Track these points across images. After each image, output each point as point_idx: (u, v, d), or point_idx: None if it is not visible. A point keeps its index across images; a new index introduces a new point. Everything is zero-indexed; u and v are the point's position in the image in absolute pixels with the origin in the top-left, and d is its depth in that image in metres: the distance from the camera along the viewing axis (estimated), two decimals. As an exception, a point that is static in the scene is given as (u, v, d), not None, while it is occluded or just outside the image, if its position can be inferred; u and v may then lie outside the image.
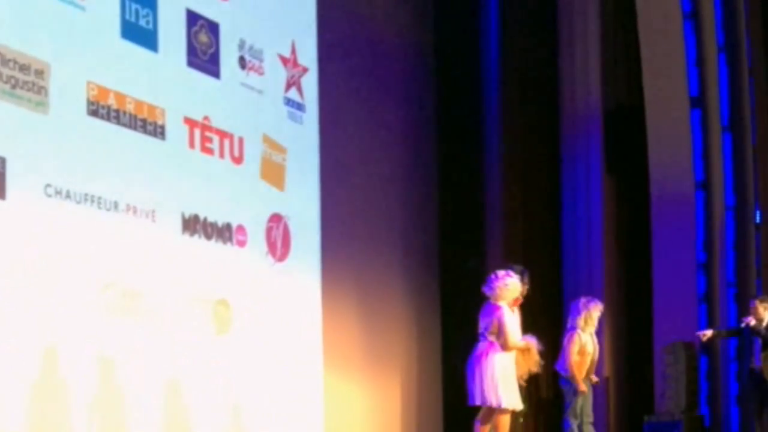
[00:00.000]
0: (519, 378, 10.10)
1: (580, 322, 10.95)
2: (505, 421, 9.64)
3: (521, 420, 10.79)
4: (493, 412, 9.62)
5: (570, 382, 10.95)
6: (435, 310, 13.82)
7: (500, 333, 9.51)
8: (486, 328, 9.60)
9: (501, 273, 9.79)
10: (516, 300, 10.16)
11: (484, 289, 9.73)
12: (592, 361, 11.01)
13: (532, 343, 10.02)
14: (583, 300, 11.16)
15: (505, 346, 9.52)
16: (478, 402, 9.58)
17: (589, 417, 10.99)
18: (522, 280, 10.36)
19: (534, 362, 10.19)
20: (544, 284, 13.91)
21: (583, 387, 10.85)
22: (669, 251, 14.05)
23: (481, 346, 9.62)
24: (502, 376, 9.50)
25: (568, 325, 11.06)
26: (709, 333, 12.14)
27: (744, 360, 12.35)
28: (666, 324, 13.87)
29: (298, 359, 11.32)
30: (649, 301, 14.04)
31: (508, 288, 9.70)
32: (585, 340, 10.93)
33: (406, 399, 13.42)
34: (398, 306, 13.36)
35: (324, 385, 11.71)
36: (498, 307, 9.60)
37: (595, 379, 11.12)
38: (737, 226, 14.11)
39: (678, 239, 14.07)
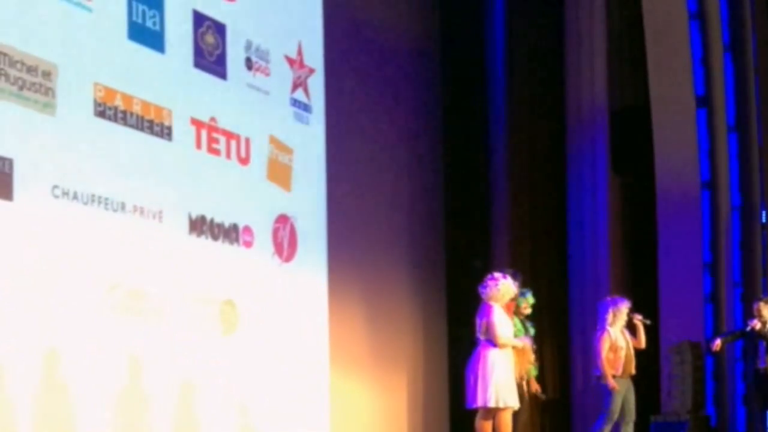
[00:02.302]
0: (518, 378, 10.12)
1: (609, 318, 10.93)
2: (505, 418, 9.64)
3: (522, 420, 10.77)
4: (491, 411, 9.62)
5: (605, 383, 10.90)
6: (441, 309, 13.83)
7: (489, 331, 9.55)
8: (479, 329, 9.67)
9: (496, 275, 9.85)
10: (509, 305, 10.19)
11: (479, 289, 9.79)
12: (627, 357, 10.96)
13: (527, 342, 10.07)
14: (609, 299, 11.17)
15: (496, 343, 9.54)
16: (476, 404, 9.59)
17: (631, 416, 10.93)
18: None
19: (529, 361, 10.23)
20: (550, 284, 13.93)
21: (614, 384, 10.78)
22: (675, 251, 14.03)
23: (478, 348, 9.67)
24: (497, 374, 9.51)
25: (598, 325, 11.02)
26: (718, 342, 12.08)
27: (750, 361, 12.33)
28: (672, 324, 13.84)
29: (304, 359, 11.33)
30: (655, 301, 14.01)
31: (501, 289, 9.74)
32: (615, 337, 10.91)
33: (412, 399, 13.43)
34: (404, 306, 13.37)
35: (330, 385, 11.71)
36: (489, 307, 9.65)
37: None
38: (743, 226, 14.09)
39: (684, 239, 14.05)
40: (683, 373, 13.51)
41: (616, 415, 10.83)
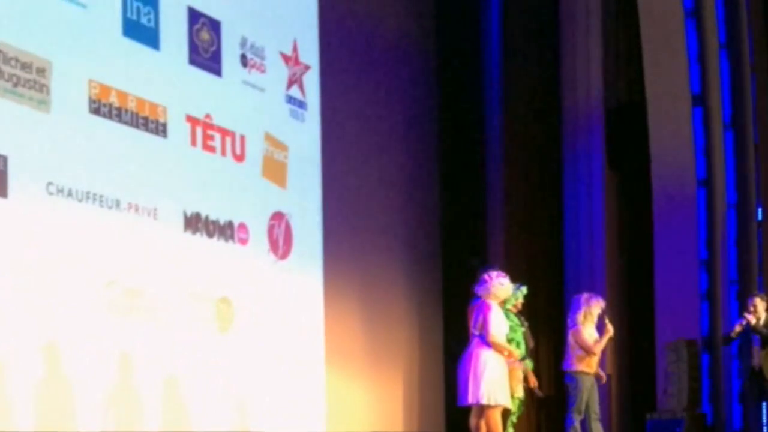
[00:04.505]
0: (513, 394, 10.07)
1: (580, 317, 10.97)
2: (495, 416, 9.60)
3: (514, 419, 10.77)
4: (484, 408, 9.60)
5: (574, 378, 10.96)
6: (437, 307, 13.82)
7: (483, 328, 9.51)
8: (474, 325, 9.63)
9: (491, 273, 9.80)
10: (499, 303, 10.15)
11: (477, 289, 9.74)
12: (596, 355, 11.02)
13: (517, 364, 10.03)
14: (585, 296, 11.17)
15: (486, 340, 9.50)
16: (468, 401, 9.57)
17: (596, 414, 10.99)
18: None
19: (517, 380, 10.18)
20: (546, 281, 13.93)
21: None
22: (671, 248, 14.04)
23: (471, 345, 9.63)
24: (488, 372, 9.47)
25: (569, 322, 11.07)
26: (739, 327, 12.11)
27: (744, 357, 12.35)
28: (668, 321, 13.86)
29: (300, 357, 11.32)
30: (650, 299, 14.03)
31: (497, 288, 9.70)
32: (588, 335, 10.95)
33: (407, 396, 13.42)
34: (400, 303, 13.36)
35: (326, 382, 11.71)
36: (486, 304, 9.61)
37: (602, 375, 11.11)
38: (739, 224, 14.10)
39: (680, 236, 14.05)
40: (679, 371, 13.51)
41: (583, 409, 10.89)
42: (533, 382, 10.96)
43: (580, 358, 10.92)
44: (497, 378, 9.51)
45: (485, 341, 9.50)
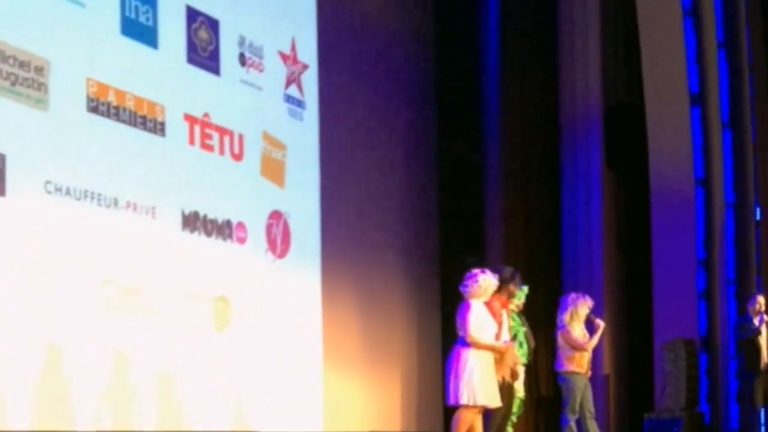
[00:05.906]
0: (500, 379, 10.03)
1: (566, 318, 11.00)
2: (465, 416, 9.55)
3: (514, 419, 10.76)
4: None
5: (566, 378, 10.97)
6: (435, 306, 13.82)
7: (462, 328, 9.49)
8: (457, 326, 9.62)
9: (475, 271, 9.75)
10: (505, 302, 10.12)
11: (460, 288, 9.70)
12: (587, 355, 11.03)
13: (509, 345, 9.98)
14: (572, 296, 11.19)
15: (466, 341, 9.47)
16: (452, 401, 9.56)
17: (591, 413, 11.01)
18: (513, 281, 10.33)
19: (514, 362, 10.14)
20: (544, 281, 13.92)
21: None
22: (669, 248, 14.05)
23: (456, 345, 9.62)
24: (468, 372, 9.44)
25: (558, 323, 11.09)
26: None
27: (748, 358, 12.36)
28: (666, 321, 13.87)
29: (298, 356, 11.32)
30: (649, 298, 14.04)
31: (481, 286, 9.64)
32: (577, 335, 10.96)
33: (406, 395, 13.42)
34: (398, 302, 13.36)
35: (324, 381, 11.71)
36: (466, 305, 9.58)
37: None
38: (737, 223, 14.12)
39: (678, 236, 14.06)
40: (677, 371, 13.53)
41: (577, 409, 10.92)
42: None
43: (570, 358, 10.94)
44: (477, 378, 9.44)
45: (465, 342, 9.47)
